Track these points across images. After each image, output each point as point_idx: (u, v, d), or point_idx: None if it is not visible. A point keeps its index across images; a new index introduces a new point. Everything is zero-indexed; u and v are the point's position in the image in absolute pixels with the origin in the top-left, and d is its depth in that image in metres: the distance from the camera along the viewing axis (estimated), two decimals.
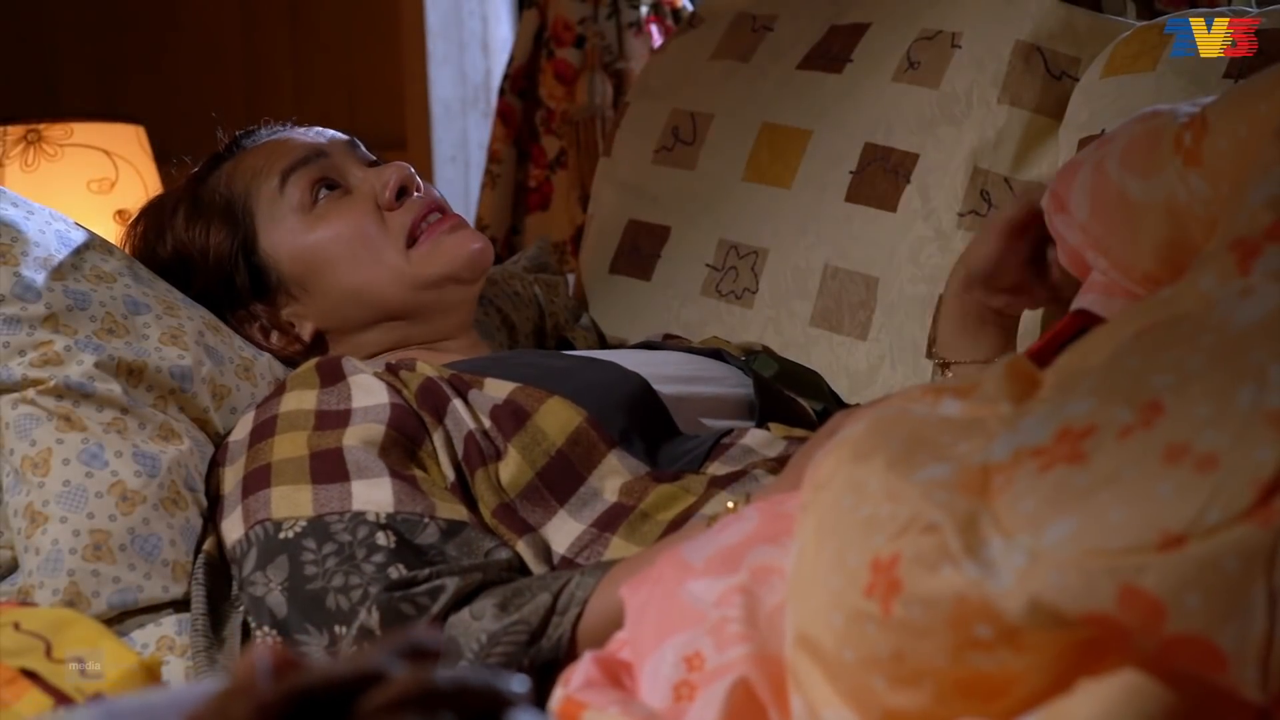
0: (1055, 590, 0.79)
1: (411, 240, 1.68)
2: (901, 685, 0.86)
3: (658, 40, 2.57)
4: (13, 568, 1.51)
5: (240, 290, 1.69)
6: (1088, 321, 1.21)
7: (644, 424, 1.51)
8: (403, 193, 1.69)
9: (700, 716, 0.97)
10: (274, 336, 1.71)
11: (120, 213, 1.90)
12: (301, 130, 1.77)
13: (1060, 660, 0.82)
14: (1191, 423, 0.80)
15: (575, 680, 1.06)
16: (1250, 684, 0.76)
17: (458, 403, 1.49)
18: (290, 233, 1.69)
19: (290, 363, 1.70)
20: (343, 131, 1.79)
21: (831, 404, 1.71)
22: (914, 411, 0.95)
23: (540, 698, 1.13)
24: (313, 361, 1.55)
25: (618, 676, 1.07)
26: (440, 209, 1.71)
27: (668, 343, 1.84)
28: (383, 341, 1.71)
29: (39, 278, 1.53)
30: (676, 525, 1.40)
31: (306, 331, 1.70)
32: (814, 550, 0.91)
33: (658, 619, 1.05)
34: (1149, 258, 1.20)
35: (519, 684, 0.72)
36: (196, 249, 1.70)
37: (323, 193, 1.70)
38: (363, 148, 1.76)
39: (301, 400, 1.50)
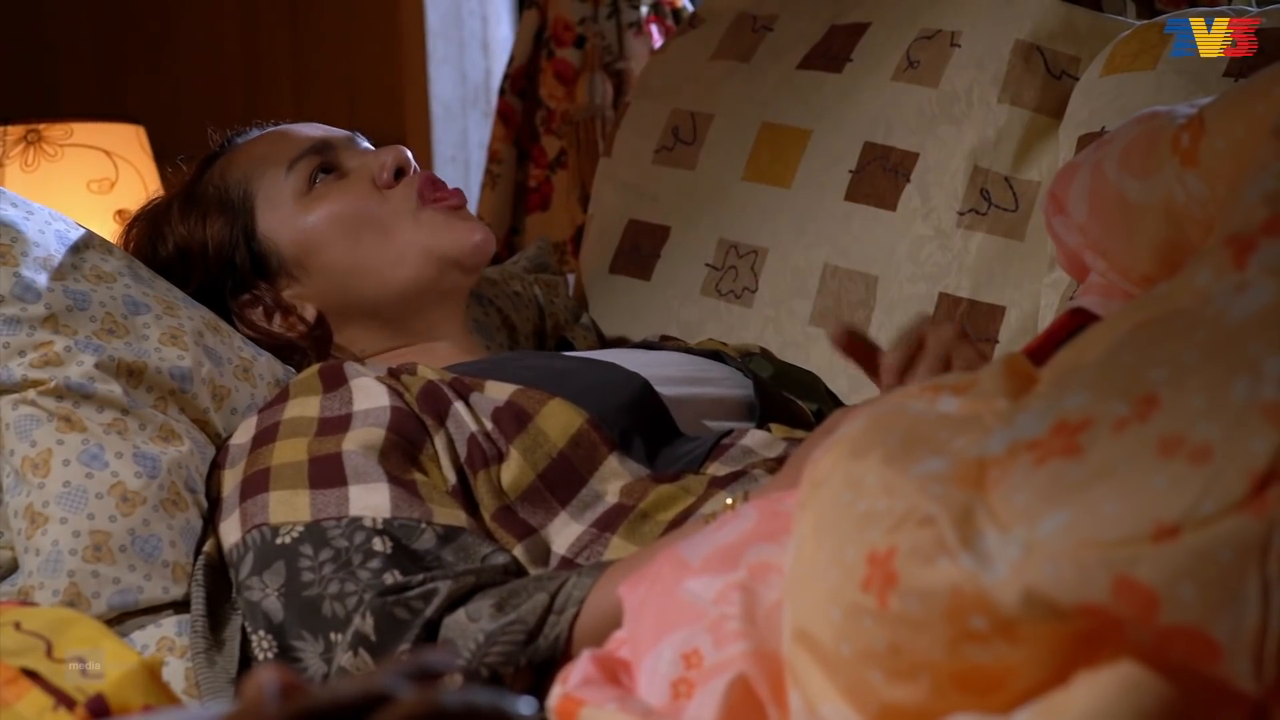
0: (1050, 581, 0.79)
1: (419, 208, 1.70)
2: (899, 679, 0.86)
3: (658, 40, 2.57)
4: (13, 568, 1.51)
5: (242, 272, 1.70)
6: (1085, 320, 1.21)
7: (645, 425, 1.52)
8: (400, 174, 1.71)
9: (698, 714, 0.97)
10: (277, 318, 1.71)
11: (120, 213, 1.90)
12: (300, 125, 1.79)
13: (1057, 653, 0.82)
14: (1186, 415, 0.80)
15: (573, 678, 1.06)
16: (1244, 675, 0.76)
17: (459, 405, 1.49)
18: (289, 216, 1.70)
19: (291, 356, 1.70)
20: (335, 128, 1.81)
21: (827, 404, 1.72)
22: (911, 408, 0.95)
23: (538, 698, 1.14)
24: (315, 367, 1.55)
25: (616, 674, 1.07)
26: (437, 184, 1.73)
27: (665, 344, 1.84)
28: (380, 336, 1.71)
29: (39, 278, 1.53)
30: (676, 525, 1.40)
31: (309, 313, 1.71)
32: (812, 546, 0.91)
33: (656, 617, 1.05)
34: (1147, 259, 1.20)
35: (526, 705, 0.72)
36: (196, 241, 1.71)
37: (319, 177, 1.71)
38: (364, 141, 1.78)
39: (305, 407, 1.50)
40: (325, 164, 1.72)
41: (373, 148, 1.78)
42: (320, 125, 1.79)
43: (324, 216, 1.70)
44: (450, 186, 1.75)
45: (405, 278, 1.69)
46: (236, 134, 1.81)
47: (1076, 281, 1.43)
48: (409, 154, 1.74)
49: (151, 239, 1.75)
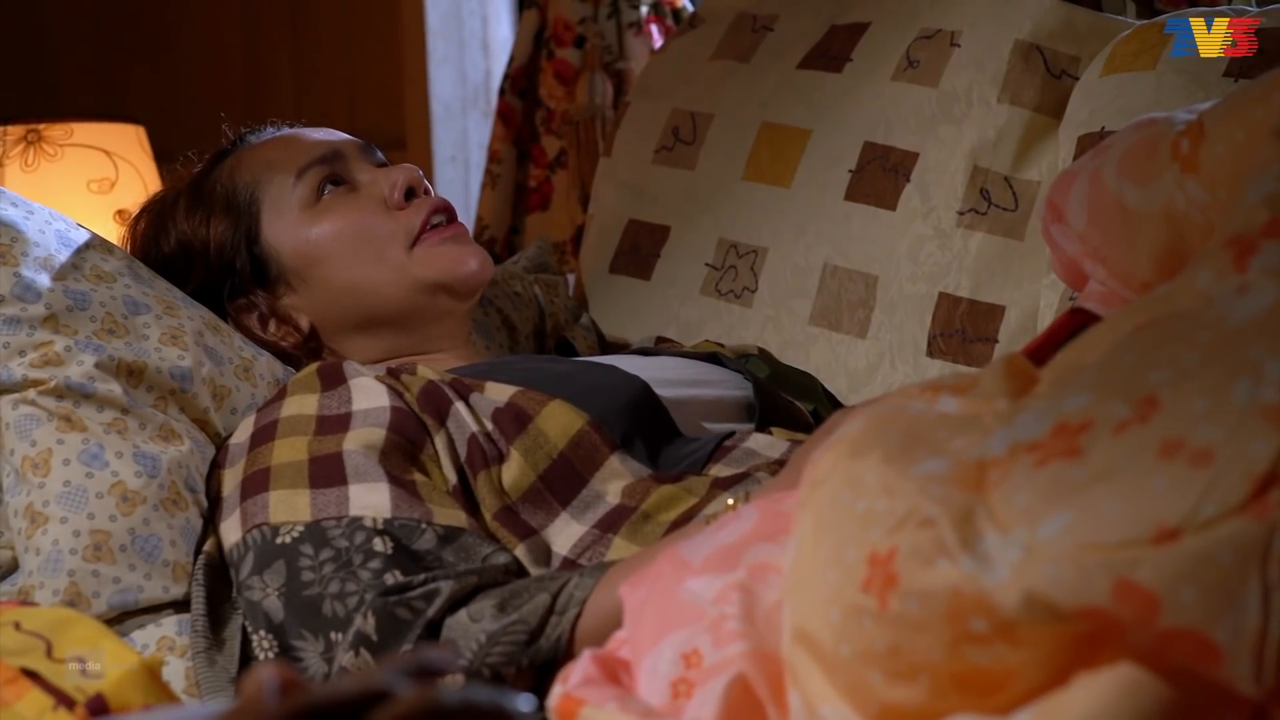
0: (1050, 584, 0.79)
1: (415, 240, 1.68)
2: (898, 680, 0.86)
3: (658, 40, 2.57)
4: (13, 568, 1.51)
5: (241, 277, 1.70)
6: (1085, 320, 1.21)
7: (645, 427, 1.52)
8: (411, 194, 1.70)
9: (698, 713, 0.97)
10: (272, 326, 1.71)
11: (120, 213, 1.90)
12: (312, 130, 1.78)
13: (1057, 655, 0.82)
14: (1187, 418, 0.80)
15: (574, 677, 1.06)
16: (1244, 678, 0.76)
17: (460, 405, 1.49)
18: (293, 225, 1.69)
19: (289, 358, 1.70)
20: (342, 131, 1.80)
21: (824, 405, 1.72)
22: (911, 408, 0.95)
23: (539, 697, 1.14)
24: (314, 366, 1.55)
25: (616, 674, 1.07)
26: (446, 212, 1.71)
27: (662, 347, 1.84)
28: (375, 349, 1.71)
29: (39, 278, 1.53)
30: (678, 526, 1.40)
31: (304, 324, 1.71)
32: (812, 546, 0.91)
33: (656, 616, 1.05)
34: (1147, 266, 1.20)
35: (525, 702, 0.72)
36: (198, 239, 1.71)
37: (328, 188, 1.70)
38: (378, 152, 1.77)
39: (303, 405, 1.50)
40: (334, 175, 1.71)
41: (385, 159, 1.77)
42: (334, 132, 1.78)
43: (328, 230, 1.69)
44: (451, 190, 1.75)
45: (400, 301, 1.68)
46: (249, 132, 1.80)
47: (1073, 290, 1.43)
48: (420, 174, 1.73)
49: (155, 233, 1.75)
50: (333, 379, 1.52)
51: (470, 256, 1.69)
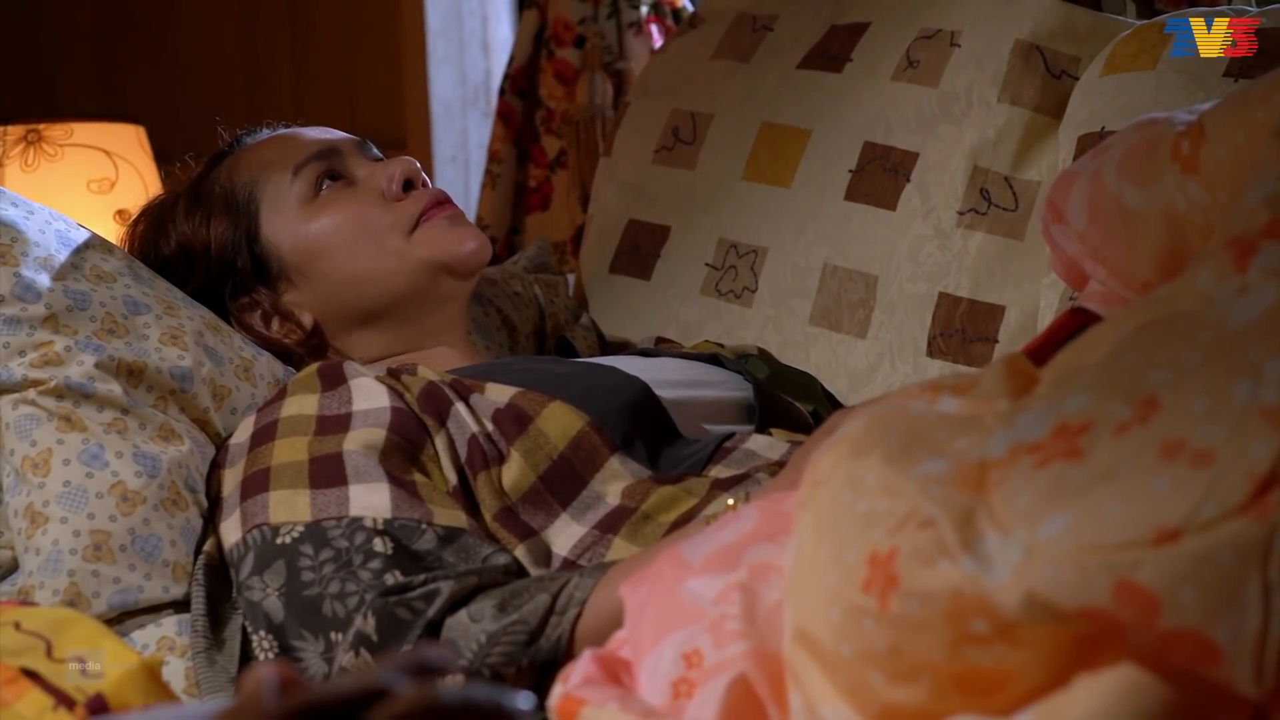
0: (1051, 585, 0.79)
1: (415, 226, 1.69)
2: (899, 680, 0.86)
3: (658, 40, 2.57)
4: (13, 568, 1.51)
5: (242, 275, 1.70)
6: (1086, 319, 1.21)
7: (646, 428, 1.52)
8: (409, 185, 1.71)
9: (699, 713, 0.97)
10: (275, 323, 1.71)
11: (120, 213, 1.90)
12: (308, 129, 1.78)
13: (1057, 655, 0.82)
14: (1188, 419, 0.80)
15: (574, 677, 1.06)
16: (1245, 679, 0.76)
17: (460, 406, 1.49)
18: (292, 221, 1.70)
19: (290, 358, 1.70)
20: (343, 131, 1.80)
21: (824, 405, 1.72)
22: (912, 408, 0.95)
23: (540, 698, 1.14)
24: (314, 366, 1.55)
25: (617, 674, 1.07)
26: (444, 202, 1.72)
27: (662, 349, 1.84)
28: (377, 344, 1.71)
29: (39, 278, 1.53)
30: (678, 526, 1.40)
31: (306, 320, 1.71)
32: (812, 546, 0.91)
33: (657, 616, 1.05)
34: (1148, 266, 1.20)
35: (525, 700, 0.72)
36: (199, 240, 1.71)
37: (325, 184, 1.71)
38: (374, 148, 1.78)
39: (303, 405, 1.50)
40: (331, 170, 1.72)
41: (382, 155, 1.78)
42: (330, 130, 1.79)
43: (327, 225, 1.69)
44: (451, 190, 1.75)
45: (402, 287, 1.69)
46: (246, 133, 1.81)
47: (1073, 290, 1.43)
48: (418, 165, 1.73)
49: (155, 235, 1.75)
50: (333, 379, 1.52)
51: (469, 237, 1.70)
